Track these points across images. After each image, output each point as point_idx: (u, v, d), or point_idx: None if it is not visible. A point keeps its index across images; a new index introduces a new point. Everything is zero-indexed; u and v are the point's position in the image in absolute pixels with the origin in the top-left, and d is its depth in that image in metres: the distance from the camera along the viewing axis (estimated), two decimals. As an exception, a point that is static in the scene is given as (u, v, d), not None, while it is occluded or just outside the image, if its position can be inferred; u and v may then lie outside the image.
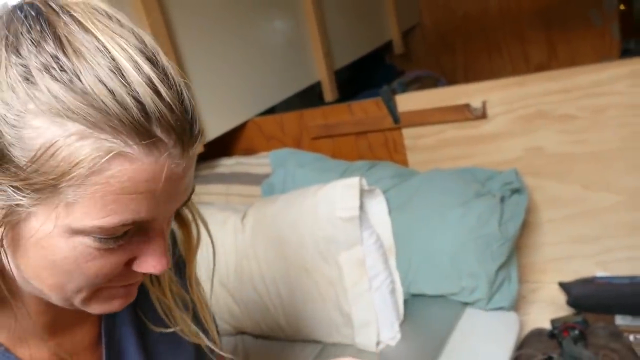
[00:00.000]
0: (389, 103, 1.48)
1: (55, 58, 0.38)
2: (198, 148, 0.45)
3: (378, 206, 1.21)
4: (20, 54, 0.39)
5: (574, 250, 1.44)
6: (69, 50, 0.39)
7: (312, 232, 1.14)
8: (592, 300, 1.27)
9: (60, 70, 0.38)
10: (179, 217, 0.60)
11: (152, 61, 0.41)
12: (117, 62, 0.39)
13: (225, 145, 1.73)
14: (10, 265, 0.45)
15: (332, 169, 1.44)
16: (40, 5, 0.41)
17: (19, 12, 0.41)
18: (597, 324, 1.19)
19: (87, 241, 0.42)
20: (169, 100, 0.40)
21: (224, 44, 1.60)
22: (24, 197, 0.40)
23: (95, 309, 0.49)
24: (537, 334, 1.22)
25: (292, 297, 1.16)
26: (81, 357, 0.59)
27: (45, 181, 0.39)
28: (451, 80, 2.94)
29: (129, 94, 0.38)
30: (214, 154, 1.65)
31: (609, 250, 1.39)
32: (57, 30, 0.39)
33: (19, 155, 0.39)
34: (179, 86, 0.42)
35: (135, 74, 0.39)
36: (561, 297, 1.37)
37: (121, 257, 0.45)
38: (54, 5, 0.41)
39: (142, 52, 0.40)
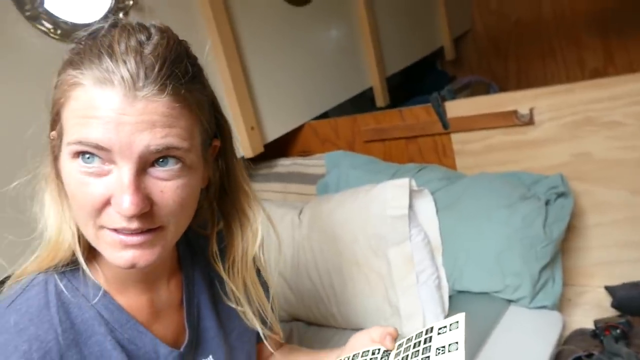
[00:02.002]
0: (438, 109, 1.55)
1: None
2: (160, 98, 0.55)
3: (426, 206, 1.29)
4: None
5: (621, 254, 1.46)
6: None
7: (364, 228, 1.23)
8: (637, 302, 1.30)
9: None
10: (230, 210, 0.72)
11: (142, 42, 0.55)
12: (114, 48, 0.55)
13: (283, 147, 1.85)
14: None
15: (383, 170, 1.53)
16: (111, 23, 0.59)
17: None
18: (641, 326, 1.22)
19: (75, 166, 0.55)
20: (132, 55, 0.54)
21: (284, 53, 1.73)
22: (53, 131, 0.59)
23: (110, 255, 0.58)
24: (579, 333, 1.26)
25: (344, 288, 1.26)
26: (169, 312, 0.72)
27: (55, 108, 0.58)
28: (503, 86, 2.96)
29: (109, 54, 0.54)
30: (273, 155, 1.78)
31: (656, 256, 1.41)
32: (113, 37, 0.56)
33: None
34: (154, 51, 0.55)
35: (123, 46, 0.55)
36: (607, 301, 1.40)
37: (98, 187, 0.55)
38: (120, 23, 0.58)
39: (141, 43, 0.55)
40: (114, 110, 0.53)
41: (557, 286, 1.28)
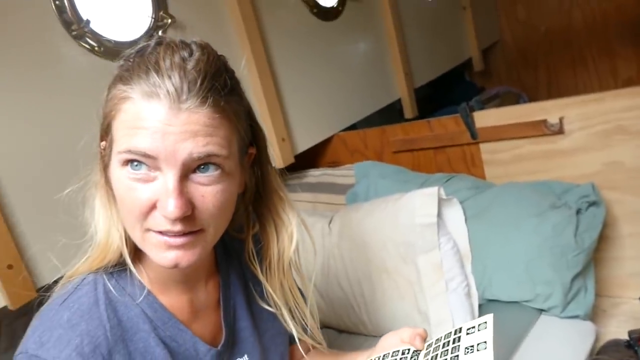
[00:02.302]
0: (466, 119, 1.57)
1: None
2: (202, 109, 0.59)
3: (455, 214, 1.30)
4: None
5: (656, 265, 1.44)
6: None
7: (393, 236, 1.25)
8: (673, 313, 1.28)
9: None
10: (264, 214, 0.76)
11: (185, 58, 0.60)
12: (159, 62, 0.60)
13: (312, 158, 1.89)
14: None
15: (412, 180, 1.55)
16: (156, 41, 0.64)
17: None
18: (677, 337, 1.20)
19: (124, 173, 0.60)
20: (176, 71, 0.58)
21: (313, 67, 1.77)
22: (103, 141, 0.64)
23: (156, 255, 0.63)
24: (613, 344, 1.24)
25: (374, 296, 1.28)
26: (207, 312, 0.76)
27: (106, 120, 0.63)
28: (533, 97, 2.94)
29: (155, 70, 0.59)
30: (303, 166, 1.82)
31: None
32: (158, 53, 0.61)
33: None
34: (198, 65, 0.59)
35: (168, 62, 0.59)
36: (642, 312, 1.38)
37: (145, 192, 0.59)
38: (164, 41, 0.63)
39: (184, 59, 0.59)
40: (160, 121, 0.57)
41: (589, 296, 1.26)
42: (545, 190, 1.38)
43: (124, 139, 0.59)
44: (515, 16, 3.09)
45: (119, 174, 0.61)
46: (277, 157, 1.56)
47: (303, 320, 0.81)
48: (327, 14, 1.86)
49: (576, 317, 1.25)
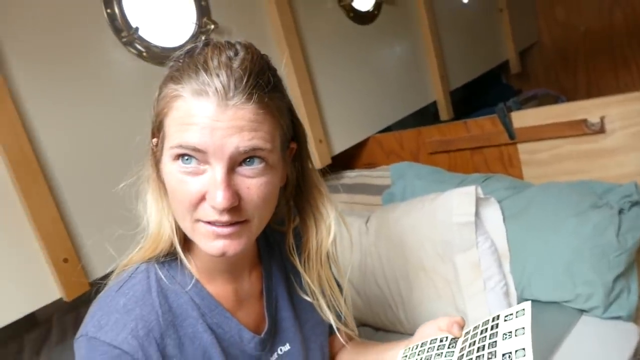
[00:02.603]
0: (504, 120, 1.56)
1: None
2: (248, 105, 0.62)
3: (493, 214, 1.30)
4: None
5: None
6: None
7: (430, 235, 1.26)
8: None
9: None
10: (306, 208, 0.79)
11: (231, 57, 0.63)
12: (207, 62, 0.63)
13: (349, 160, 1.92)
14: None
15: (449, 180, 1.55)
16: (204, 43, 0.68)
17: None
18: None
19: (176, 167, 0.63)
20: (223, 69, 0.61)
21: (350, 70, 1.80)
22: (155, 138, 0.67)
23: (205, 244, 0.66)
24: (658, 346, 1.21)
25: (411, 294, 1.29)
26: (251, 301, 0.79)
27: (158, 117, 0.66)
28: (572, 100, 2.87)
29: (204, 69, 0.62)
30: (340, 167, 1.84)
31: None
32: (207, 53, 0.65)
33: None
34: (244, 63, 0.63)
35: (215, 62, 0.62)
36: (689, 315, 1.34)
37: (195, 185, 0.63)
38: (211, 42, 0.67)
39: (230, 58, 0.63)
40: (209, 118, 0.61)
41: (632, 296, 1.24)
42: (586, 190, 1.36)
43: (176, 135, 0.63)
44: (554, 17, 3.05)
45: (171, 167, 0.65)
46: (315, 158, 1.59)
47: (338, 308, 0.83)
48: (363, 18, 1.89)
49: (618, 318, 1.23)
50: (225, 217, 0.63)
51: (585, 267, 1.23)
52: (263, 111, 0.63)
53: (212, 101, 0.61)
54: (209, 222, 0.64)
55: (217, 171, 0.62)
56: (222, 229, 0.64)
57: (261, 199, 0.66)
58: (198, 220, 0.65)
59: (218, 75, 0.61)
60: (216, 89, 0.61)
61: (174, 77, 0.64)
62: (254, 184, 0.65)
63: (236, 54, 0.64)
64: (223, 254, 0.66)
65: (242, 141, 0.62)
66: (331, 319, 0.82)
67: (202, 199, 0.64)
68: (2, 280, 1.02)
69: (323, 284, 0.82)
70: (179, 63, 0.66)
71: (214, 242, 0.65)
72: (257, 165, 0.64)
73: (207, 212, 0.64)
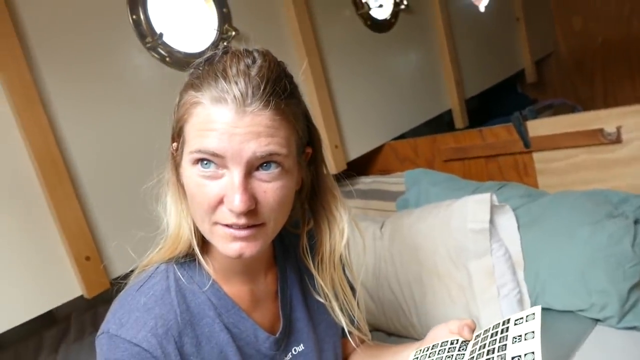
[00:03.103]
0: (520, 128, 1.57)
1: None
2: (265, 112, 0.64)
3: (507, 221, 1.30)
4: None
5: None
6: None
7: (445, 241, 1.27)
8: None
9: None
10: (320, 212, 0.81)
11: (249, 65, 0.65)
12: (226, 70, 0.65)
13: (364, 166, 1.93)
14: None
15: (463, 187, 1.56)
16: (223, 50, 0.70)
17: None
18: None
19: (195, 171, 0.65)
20: (241, 77, 0.63)
21: (366, 77, 1.82)
22: (175, 143, 0.70)
23: (222, 246, 0.68)
24: (674, 358, 1.21)
25: (424, 299, 1.29)
26: (266, 302, 0.81)
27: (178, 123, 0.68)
28: (588, 110, 2.86)
29: (223, 76, 0.64)
30: (355, 173, 1.86)
31: None
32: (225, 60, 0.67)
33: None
34: (261, 71, 0.65)
35: (234, 70, 0.64)
36: None
37: (214, 188, 0.65)
38: (230, 50, 0.69)
39: (248, 66, 0.65)
40: (227, 124, 0.63)
41: (648, 307, 1.23)
42: (601, 199, 1.36)
43: (195, 140, 0.65)
44: (571, 27, 3.04)
45: (190, 171, 0.67)
46: (330, 164, 1.61)
47: (351, 311, 0.84)
48: (380, 26, 1.91)
49: (633, 328, 1.22)
50: (242, 220, 0.65)
51: (600, 276, 1.22)
52: (279, 117, 0.65)
53: (231, 108, 0.63)
54: (226, 225, 0.66)
55: (234, 175, 0.64)
56: (239, 232, 0.66)
57: (277, 203, 0.67)
58: (216, 223, 0.67)
59: (236, 83, 0.63)
60: (234, 96, 0.63)
61: (194, 84, 0.67)
62: (270, 188, 0.66)
63: (254, 61, 0.66)
64: (240, 256, 0.67)
65: (259, 146, 0.64)
66: (343, 322, 0.83)
67: (220, 202, 0.66)
68: (25, 276, 1.06)
69: (336, 287, 0.83)
70: (199, 70, 0.68)
71: (231, 244, 0.67)
72: (274, 170, 0.66)
73: (225, 215, 0.66)
